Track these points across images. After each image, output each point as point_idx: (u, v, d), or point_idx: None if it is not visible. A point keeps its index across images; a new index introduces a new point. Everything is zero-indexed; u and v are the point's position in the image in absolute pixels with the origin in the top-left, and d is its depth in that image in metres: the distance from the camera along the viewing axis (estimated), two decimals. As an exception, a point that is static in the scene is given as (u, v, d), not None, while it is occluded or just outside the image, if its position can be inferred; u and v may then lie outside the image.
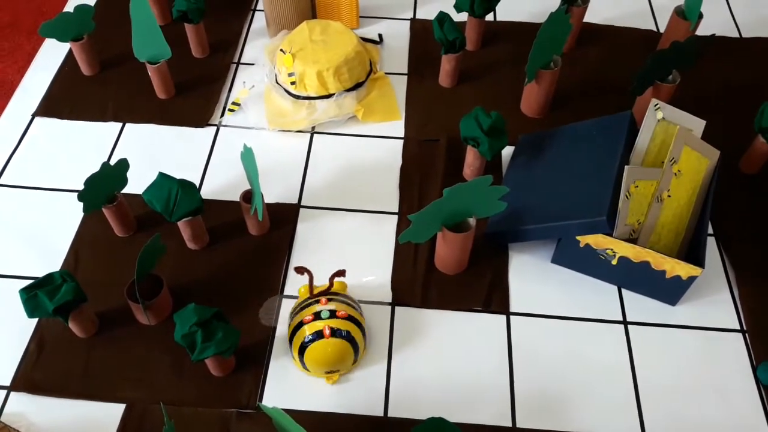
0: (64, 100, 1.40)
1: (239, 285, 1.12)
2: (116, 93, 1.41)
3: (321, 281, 1.05)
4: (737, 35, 1.58)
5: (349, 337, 0.97)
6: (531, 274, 1.14)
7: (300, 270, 1.01)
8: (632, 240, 1.06)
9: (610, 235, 1.04)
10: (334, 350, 0.97)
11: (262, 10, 1.57)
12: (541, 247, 1.17)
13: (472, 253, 1.12)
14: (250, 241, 1.17)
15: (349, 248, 1.17)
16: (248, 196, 1.13)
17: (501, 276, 1.13)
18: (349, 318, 0.99)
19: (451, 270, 1.12)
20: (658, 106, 1.14)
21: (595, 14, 1.58)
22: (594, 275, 1.13)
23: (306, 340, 0.97)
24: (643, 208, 1.08)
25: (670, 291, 1.08)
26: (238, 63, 1.49)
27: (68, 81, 1.44)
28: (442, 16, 1.34)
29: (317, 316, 0.98)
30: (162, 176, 1.06)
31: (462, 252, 1.09)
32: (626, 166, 1.04)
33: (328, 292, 1.02)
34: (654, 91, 1.29)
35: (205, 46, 1.49)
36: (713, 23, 1.57)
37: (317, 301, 1.00)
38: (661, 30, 1.58)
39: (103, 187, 1.10)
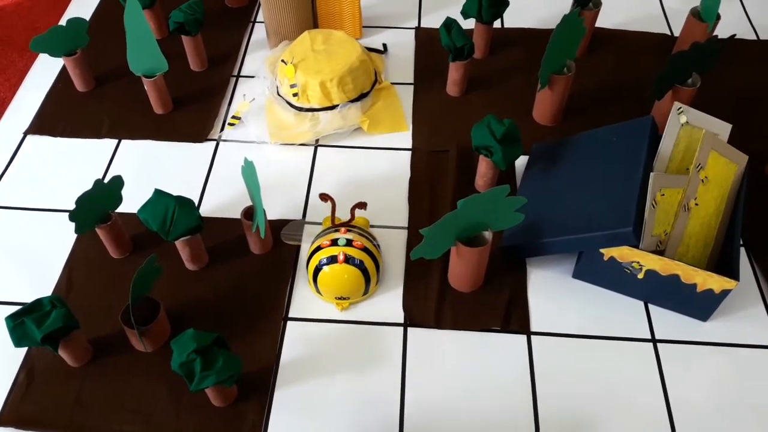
0: (57, 117, 1.35)
1: (241, 307, 1.05)
2: (111, 109, 1.36)
3: (321, 305, 0.98)
4: (754, 37, 1.52)
5: (361, 267, 1.02)
6: (552, 291, 1.07)
7: (324, 197, 1.09)
8: (659, 252, 1.00)
9: (636, 246, 0.97)
10: (346, 276, 1.01)
11: (262, 22, 1.52)
12: (561, 261, 1.10)
13: (487, 269, 1.05)
14: (252, 261, 1.11)
15: (357, 266, 1.11)
16: (249, 212, 1.07)
17: (520, 293, 1.06)
18: (365, 249, 1.03)
19: (466, 287, 1.06)
20: (681, 109, 1.08)
21: (606, 19, 1.53)
22: (619, 290, 1.06)
23: (320, 263, 1.02)
24: (669, 218, 1.01)
25: (702, 306, 1.01)
26: (238, 76, 1.44)
27: (61, 97, 1.39)
28: (450, 22, 1.29)
29: (334, 242, 1.03)
30: (158, 193, 1.00)
31: (478, 268, 1.02)
32: (651, 173, 0.98)
33: (348, 224, 1.08)
34: (674, 95, 1.24)
35: (203, 59, 1.44)
36: (729, 25, 1.51)
37: (337, 230, 1.05)
38: (675, 34, 1.53)
39: (97, 206, 1.04)
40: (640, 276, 1.02)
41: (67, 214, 1.01)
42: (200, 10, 1.35)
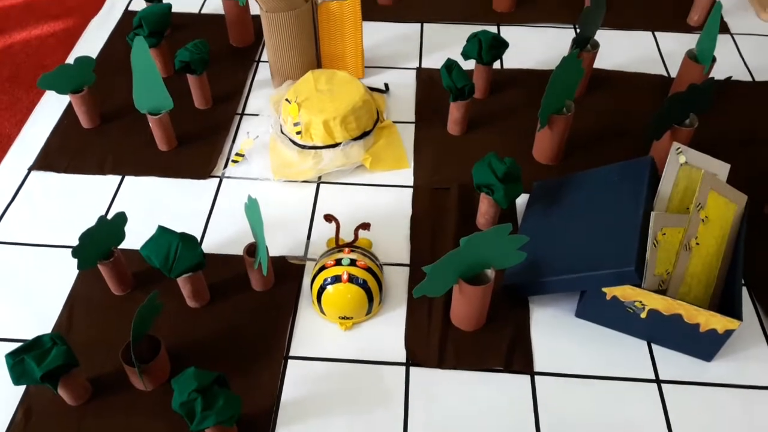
0: (61, 154, 1.36)
1: (242, 346, 1.05)
2: (116, 145, 1.37)
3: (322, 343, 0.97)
4: (750, 79, 1.55)
5: (365, 286, 1.03)
6: (555, 330, 1.07)
7: (328, 218, 1.13)
8: (661, 291, 1.00)
9: (639, 286, 0.98)
10: (349, 296, 1.03)
11: (266, 62, 1.54)
12: (564, 300, 1.10)
13: (490, 308, 1.05)
14: (253, 298, 1.11)
15: (358, 304, 1.11)
16: (252, 249, 1.07)
17: (522, 332, 1.06)
18: (368, 269, 1.05)
19: (469, 326, 1.05)
20: (680, 149, 1.10)
21: (604, 60, 1.56)
22: (622, 330, 1.06)
23: (325, 282, 1.04)
24: (671, 257, 1.01)
25: (705, 346, 1.01)
26: (242, 114, 1.46)
27: (67, 134, 1.40)
28: (451, 63, 1.31)
29: (338, 262, 1.05)
30: (161, 230, 1.00)
31: (480, 306, 1.02)
32: (653, 212, 0.99)
33: (352, 245, 1.10)
34: (672, 135, 1.25)
35: (208, 98, 1.46)
36: (724, 67, 1.54)
37: (341, 251, 1.08)
38: (672, 75, 1.56)
39: (100, 242, 1.04)
40: (643, 315, 1.02)
41: (69, 250, 1.01)
42: (206, 49, 1.37)
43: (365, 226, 1.13)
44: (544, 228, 1.15)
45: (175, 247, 0.99)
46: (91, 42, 1.64)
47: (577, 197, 1.16)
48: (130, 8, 1.76)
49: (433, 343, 1.04)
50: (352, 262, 1.05)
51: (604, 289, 1.01)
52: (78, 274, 1.14)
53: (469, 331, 1.06)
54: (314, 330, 1.07)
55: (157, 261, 0.99)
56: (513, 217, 1.23)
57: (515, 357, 1.02)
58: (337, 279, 1.03)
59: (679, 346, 1.03)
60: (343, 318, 1.06)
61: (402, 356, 1.03)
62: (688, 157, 1.10)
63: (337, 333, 1.06)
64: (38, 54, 1.66)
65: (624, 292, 1.00)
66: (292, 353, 1.04)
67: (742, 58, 1.61)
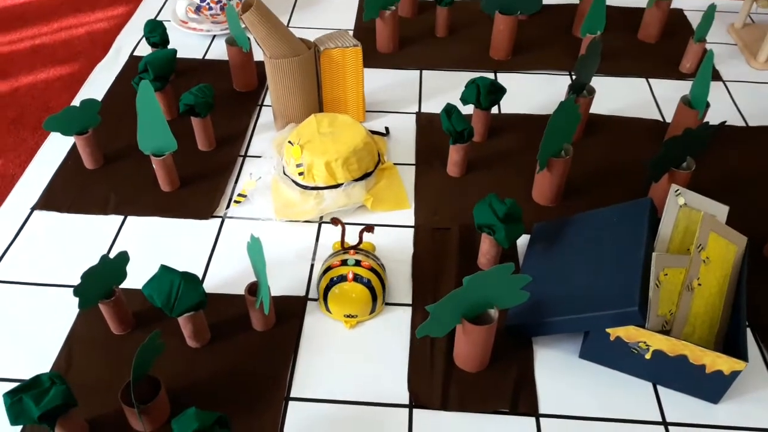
0: (64, 194, 1.36)
1: (242, 386, 1.03)
2: (119, 186, 1.38)
3: (323, 384, 0.96)
4: (743, 124, 1.58)
5: (369, 285, 1.09)
6: (559, 371, 1.06)
7: (335, 221, 1.17)
8: (665, 332, 0.99)
9: (643, 326, 0.97)
10: (354, 295, 1.09)
11: (269, 105, 1.57)
12: (567, 341, 1.09)
13: (493, 349, 1.04)
14: (254, 338, 1.10)
15: (360, 342, 1.10)
16: (253, 288, 1.07)
17: (527, 373, 1.05)
18: (372, 270, 1.11)
19: (472, 367, 1.04)
20: (678, 191, 1.11)
21: (600, 105, 1.59)
22: (626, 371, 1.05)
23: (331, 281, 1.10)
24: (673, 298, 1.02)
25: (711, 387, 1.00)
26: (245, 156, 1.48)
27: (70, 174, 1.41)
28: (450, 108, 1.34)
29: (344, 262, 1.11)
30: (164, 269, 1.00)
31: (484, 347, 1.02)
32: (654, 253, 0.99)
33: (357, 247, 1.16)
34: (670, 178, 1.27)
35: (211, 140, 1.47)
36: (718, 112, 1.58)
37: (346, 252, 1.14)
38: (667, 120, 1.59)
39: (101, 281, 1.04)
40: (648, 356, 1.01)
41: (70, 289, 1.00)
42: (210, 93, 1.40)
43: (369, 229, 1.17)
44: (546, 269, 1.15)
45: (177, 286, 0.98)
46: (96, 85, 1.67)
47: (578, 238, 1.17)
48: (135, 53, 1.79)
49: (436, 384, 1.03)
50: (357, 263, 1.11)
51: (608, 330, 1.01)
52: (78, 314, 1.13)
53: (472, 372, 1.05)
54: (315, 370, 1.06)
55: (159, 300, 0.98)
56: (514, 258, 1.24)
57: (520, 398, 1.01)
58: (342, 278, 1.09)
59: (685, 387, 1.03)
60: (348, 316, 1.11)
61: (405, 398, 1.02)
62: (687, 198, 1.11)
63: (339, 374, 1.05)
64: (44, 96, 1.69)
65: (628, 333, 1.00)
66: (293, 394, 1.02)
67: (735, 105, 1.65)
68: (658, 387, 1.04)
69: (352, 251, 1.14)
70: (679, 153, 1.25)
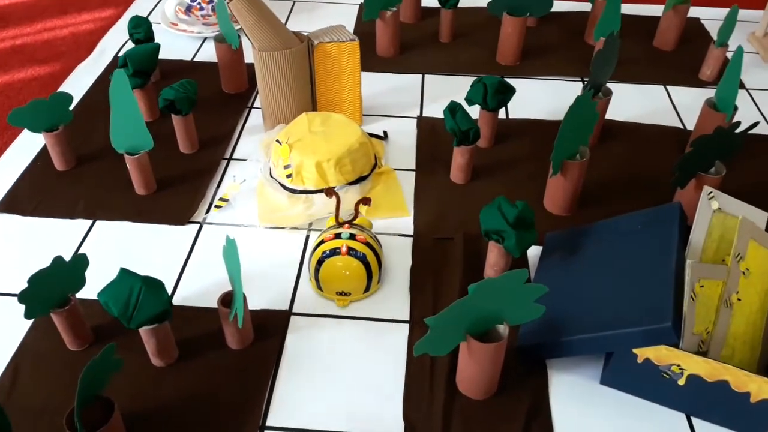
0: (30, 196, 1.24)
1: (212, 411, 0.89)
2: (89, 188, 1.26)
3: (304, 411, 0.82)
4: (771, 132, 1.46)
5: (364, 260, 1.01)
6: (577, 399, 0.92)
7: (329, 192, 1.07)
8: (701, 353, 0.86)
9: (677, 346, 0.84)
10: (348, 269, 1.00)
11: (259, 108, 1.46)
12: (587, 364, 0.95)
13: (503, 372, 0.91)
14: (227, 356, 0.96)
15: (349, 364, 0.96)
16: (228, 299, 0.94)
17: (540, 401, 0.91)
18: (367, 244, 1.02)
19: (478, 393, 0.90)
20: (712, 194, 0.98)
21: (616, 112, 1.47)
22: (656, 400, 0.91)
23: (323, 255, 1.01)
24: (710, 314, 0.88)
25: (757, 420, 0.86)
26: (230, 159, 1.36)
27: (38, 176, 1.29)
28: (454, 106, 1.22)
29: (338, 236, 1.02)
30: (123, 273, 0.87)
31: (492, 368, 0.88)
32: (688, 261, 0.86)
33: (352, 222, 1.06)
34: (697, 184, 1.14)
35: (194, 141, 1.36)
36: (743, 120, 1.45)
37: (341, 226, 1.05)
38: (688, 127, 1.47)
39: (54, 287, 0.91)
40: (681, 382, 0.87)
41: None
42: (193, 89, 1.28)
43: (366, 201, 1.07)
44: (561, 282, 1.02)
45: (137, 292, 0.85)
46: (75, 86, 1.56)
47: (598, 248, 1.04)
48: (121, 54, 1.69)
49: (436, 413, 0.89)
50: (352, 236, 1.02)
51: (635, 351, 0.87)
52: (30, 327, 1.00)
53: (478, 398, 0.91)
54: (296, 395, 0.92)
55: (115, 308, 0.85)
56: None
57: (533, 430, 0.87)
58: (335, 252, 1.00)
59: (725, 419, 0.88)
60: (340, 294, 1.03)
61: (399, 428, 0.88)
62: (721, 202, 0.99)
63: (324, 400, 0.91)
64: (19, 96, 1.59)
65: (658, 354, 0.86)
66: (269, 422, 0.88)
67: (761, 112, 1.53)
68: (693, 419, 0.90)
69: (346, 225, 1.05)
70: (707, 155, 1.13)
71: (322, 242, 1.03)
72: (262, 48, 1.27)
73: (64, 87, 1.57)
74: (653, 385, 0.89)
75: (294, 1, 1.98)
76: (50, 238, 1.16)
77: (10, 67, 1.68)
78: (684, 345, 0.84)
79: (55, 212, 1.21)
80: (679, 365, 0.86)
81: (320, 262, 1.02)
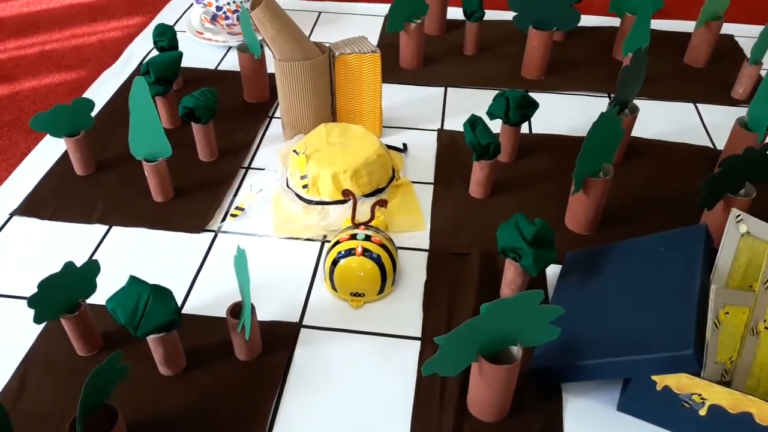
0: (48, 200, 1.25)
1: (217, 422, 0.88)
2: (108, 194, 1.26)
3: (310, 427, 0.80)
4: (805, 154, 1.41)
5: (378, 261, 1.01)
6: (593, 425, 0.88)
7: (346, 193, 1.10)
8: (724, 383, 0.82)
9: (698, 374, 0.80)
10: (362, 270, 1.01)
11: (280, 118, 1.45)
12: (603, 390, 0.92)
13: (515, 395, 0.87)
14: (235, 368, 0.95)
15: (358, 380, 0.94)
16: (237, 310, 0.93)
17: (554, 427, 0.87)
18: (382, 246, 1.03)
19: (490, 416, 0.87)
20: (740, 217, 0.95)
21: (643, 130, 1.44)
22: (675, 429, 0.87)
23: (338, 255, 1.02)
24: (735, 343, 0.84)
25: (783, 456, 0.81)
26: (248, 168, 1.35)
27: (58, 180, 1.30)
28: (475, 119, 1.20)
29: (353, 237, 1.03)
30: (132, 280, 0.87)
31: (504, 391, 0.85)
32: (713, 286, 0.82)
33: (368, 223, 1.07)
34: (725, 206, 1.10)
35: (213, 150, 1.36)
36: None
37: (356, 228, 1.05)
38: (719, 147, 1.42)
39: (64, 292, 0.91)
40: (702, 412, 0.83)
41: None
42: (213, 98, 1.28)
43: (382, 202, 1.08)
44: (579, 303, 0.99)
45: (145, 300, 0.84)
46: (100, 92, 1.58)
47: (618, 269, 1.01)
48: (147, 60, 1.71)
49: (444, 434, 0.86)
50: (367, 238, 1.03)
51: (655, 378, 0.83)
52: (40, 331, 1.00)
53: (489, 421, 0.88)
54: (303, 410, 0.90)
55: (122, 316, 0.85)
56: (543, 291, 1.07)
57: (545, 457, 0.84)
58: (350, 252, 1.01)
59: (749, 454, 0.84)
60: (354, 295, 1.03)
61: (406, 449, 0.85)
62: (749, 226, 0.95)
63: (330, 416, 0.89)
64: (45, 101, 1.61)
65: (679, 382, 0.82)
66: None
67: (794, 133, 1.47)
68: (716, 452, 0.86)
69: (362, 227, 1.06)
70: (737, 176, 1.09)
71: (337, 242, 1.04)
72: (282, 58, 1.27)
73: (89, 93, 1.59)
74: (673, 414, 0.85)
75: (319, 12, 1.98)
76: (66, 242, 1.16)
77: (38, 72, 1.71)
78: (706, 374, 0.80)
79: (73, 217, 1.22)
80: (700, 395, 0.82)
81: (335, 262, 1.02)
